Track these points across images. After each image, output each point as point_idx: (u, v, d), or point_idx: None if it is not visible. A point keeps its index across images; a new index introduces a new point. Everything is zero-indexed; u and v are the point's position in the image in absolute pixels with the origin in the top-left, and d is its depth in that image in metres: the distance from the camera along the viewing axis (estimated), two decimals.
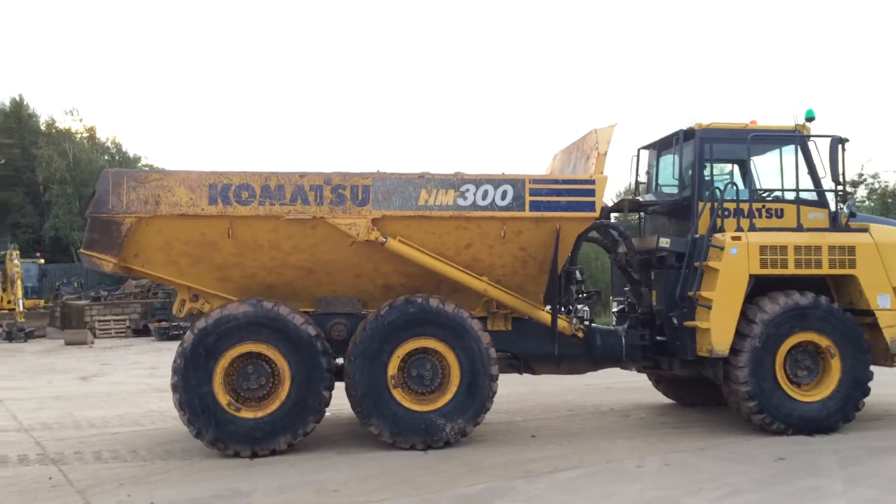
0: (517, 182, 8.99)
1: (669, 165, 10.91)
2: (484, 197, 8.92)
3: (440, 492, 6.99)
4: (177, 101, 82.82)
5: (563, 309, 9.97)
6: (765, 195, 10.03)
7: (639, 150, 11.28)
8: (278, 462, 8.22)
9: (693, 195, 9.93)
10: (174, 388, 8.42)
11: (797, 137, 9.92)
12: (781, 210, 9.91)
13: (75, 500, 6.90)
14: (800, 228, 9.62)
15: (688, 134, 10.12)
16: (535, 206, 8.99)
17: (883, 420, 10.22)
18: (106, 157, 57.55)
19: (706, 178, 10.08)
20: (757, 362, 9.21)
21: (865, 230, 9.73)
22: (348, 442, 9.10)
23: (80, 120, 60.77)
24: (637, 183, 11.29)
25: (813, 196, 10.01)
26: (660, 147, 10.93)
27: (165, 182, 8.46)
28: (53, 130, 56.00)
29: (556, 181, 9.12)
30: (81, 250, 8.61)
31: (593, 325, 10.24)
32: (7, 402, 13.24)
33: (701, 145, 9.97)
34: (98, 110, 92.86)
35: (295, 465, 8.07)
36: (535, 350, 9.75)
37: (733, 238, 9.36)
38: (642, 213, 11.25)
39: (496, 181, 8.97)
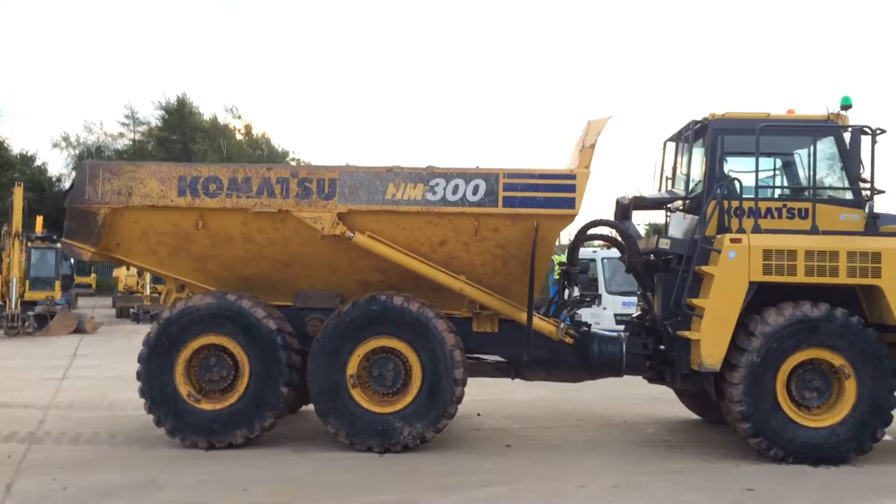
0: (490, 176, 8.53)
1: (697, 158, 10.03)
2: (454, 192, 8.53)
3: (344, 499, 6.72)
4: (321, 97, 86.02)
5: (544, 312, 9.40)
6: (779, 193, 9.01)
7: (665, 142, 10.43)
8: (221, 456, 8.22)
9: (703, 192, 9.07)
10: (138, 376, 8.61)
11: (823, 128, 8.83)
12: (806, 210, 8.84)
13: (6, 479, 7.15)
14: (815, 231, 8.55)
15: (700, 126, 9.25)
16: (508, 202, 8.50)
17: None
18: (259, 152, 60.69)
19: (726, 173, 9.17)
20: (754, 380, 8.28)
21: None
22: (317, 440, 8.93)
23: (239, 117, 64.37)
24: (663, 178, 10.44)
25: (847, 195, 8.88)
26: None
27: (138, 174, 8.66)
28: (214, 126, 59.51)
29: (532, 175, 8.56)
30: (63, 239, 8.96)
31: (592, 330, 9.57)
32: (70, 379, 14.06)
33: (714, 137, 9.07)
34: (254, 108, 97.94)
35: (227, 461, 8.04)
36: (523, 354, 9.23)
37: (732, 241, 8.44)
38: (668, 213, 10.42)
39: (468, 175, 8.55)
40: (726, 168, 9.21)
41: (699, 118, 9.28)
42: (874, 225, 8.55)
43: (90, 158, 46.32)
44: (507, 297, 9.08)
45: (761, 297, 8.49)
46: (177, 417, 8.51)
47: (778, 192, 9.22)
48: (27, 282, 26.74)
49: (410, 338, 8.51)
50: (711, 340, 8.38)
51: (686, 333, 8.55)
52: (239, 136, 61.92)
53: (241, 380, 8.55)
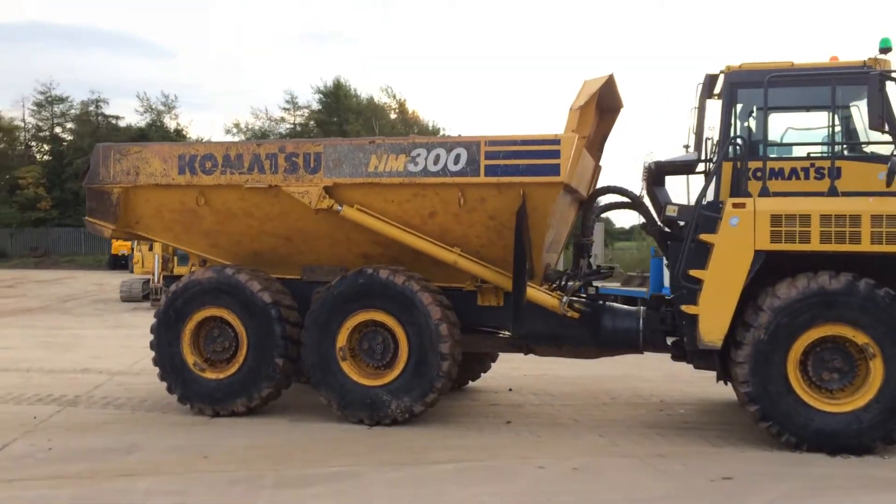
0: (471, 144, 8.21)
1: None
2: (436, 162, 8.28)
3: (289, 469, 6.77)
4: (473, 71, 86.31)
5: (560, 285, 8.93)
6: (802, 152, 8.03)
7: (701, 99, 9.57)
8: (215, 423, 8.51)
9: (719, 152, 8.26)
10: (151, 346, 9.07)
11: (843, 76, 7.74)
12: (839, 169, 7.82)
13: (11, 437, 7.79)
14: (833, 192, 7.55)
15: (712, 80, 8.41)
16: (490, 171, 8.15)
17: None
18: (409, 130, 62.08)
19: (751, 131, 8.32)
20: (762, 358, 7.47)
21: None
22: (320, 411, 9.02)
23: (394, 96, 66.11)
24: (700, 138, 9.58)
25: (887, 150, 7.78)
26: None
27: (143, 154, 9.07)
28: (368, 107, 61.47)
29: (514, 142, 8.13)
30: (85, 218, 9.56)
31: (607, 304, 9.01)
32: (135, 348, 14.66)
33: (730, 92, 8.21)
34: (409, 86, 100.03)
35: (215, 428, 8.30)
36: (531, 329, 8.84)
37: (735, 205, 7.63)
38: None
39: (449, 144, 8.29)
40: (753, 124, 8.34)
41: (715, 71, 8.43)
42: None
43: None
44: (507, 269, 8.72)
45: (779, 269, 7.64)
46: (185, 386, 8.90)
47: (806, 150, 8.21)
48: (175, 258, 28.87)
49: (396, 311, 8.39)
50: (711, 315, 7.66)
51: (686, 307, 7.84)
52: (393, 115, 63.55)
53: (241, 351, 8.79)
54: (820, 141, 8.08)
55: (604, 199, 9.73)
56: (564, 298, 8.65)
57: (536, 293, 8.59)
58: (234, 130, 60.89)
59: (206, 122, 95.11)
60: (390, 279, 8.41)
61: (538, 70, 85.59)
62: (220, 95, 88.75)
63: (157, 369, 9.05)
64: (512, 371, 11.81)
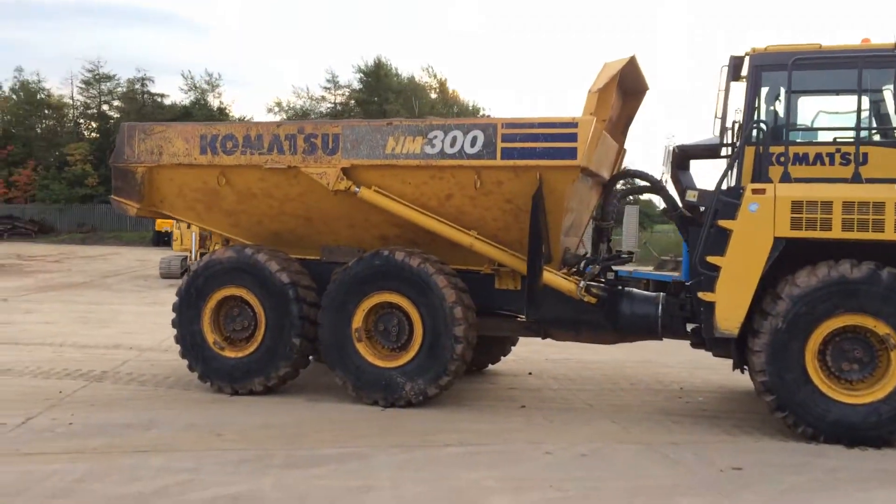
0: (488, 127, 8.16)
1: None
2: (452, 144, 8.25)
3: (299, 448, 6.85)
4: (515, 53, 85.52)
5: (577, 269, 8.86)
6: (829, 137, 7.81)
7: (728, 80, 9.35)
8: (232, 401, 8.63)
9: (741, 136, 8.08)
10: (173, 323, 9.23)
11: (869, 58, 7.49)
12: (865, 155, 7.61)
13: (35, 411, 8.00)
14: (857, 179, 7.34)
15: (738, 62, 8.20)
16: (507, 154, 8.10)
17: None
18: (449, 110, 61.94)
19: (779, 115, 8.11)
20: (779, 347, 7.34)
21: None
22: (337, 391, 9.10)
23: (434, 76, 65.98)
24: (724, 123, 9.38)
25: None
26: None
27: (167, 134, 9.18)
28: (409, 86, 61.45)
29: (531, 125, 8.06)
30: (111, 196, 9.72)
31: (626, 289, 8.92)
32: (167, 325, 14.93)
33: (755, 74, 8.02)
34: (450, 66, 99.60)
35: (232, 406, 8.43)
36: (547, 313, 8.79)
37: (755, 191, 7.47)
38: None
39: (466, 126, 8.25)
40: (780, 108, 8.14)
41: (739, 53, 8.22)
42: None
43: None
44: (525, 253, 8.65)
45: (799, 257, 7.48)
46: (205, 363, 9.05)
47: (832, 135, 7.99)
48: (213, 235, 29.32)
49: (411, 293, 8.40)
50: (728, 303, 7.54)
51: (703, 294, 7.73)
52: (434, 95, 63.43)
53: (259, 330, 8.89)
54: (846, 126, 7.84)
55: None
56: (581, 283, 8.58)
57: (553, 277, 8.53)
58: (276, 109, 61.50)
59: (249, 100, 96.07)
60: (406, 261, 8.42)
61: (586, 56, 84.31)
62: (262, 74, 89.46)
63: None
64: (534, 355, 11.78)
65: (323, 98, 62.14)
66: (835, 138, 7.91)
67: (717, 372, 10.56)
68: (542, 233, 8.21)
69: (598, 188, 9.41)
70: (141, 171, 9.31)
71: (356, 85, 61.90)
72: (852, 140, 7.67)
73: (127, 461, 6.44)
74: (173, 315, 9.23)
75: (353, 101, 60.92)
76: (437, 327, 8.30)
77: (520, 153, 8.04)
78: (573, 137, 7.89)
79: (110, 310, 17.54)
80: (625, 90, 9.42)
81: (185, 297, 9.13)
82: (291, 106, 61.50)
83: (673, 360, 11.62)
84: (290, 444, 7.02)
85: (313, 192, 8.88)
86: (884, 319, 7.12)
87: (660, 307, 8.63)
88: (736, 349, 7.85)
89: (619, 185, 9.49)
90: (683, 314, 8.55)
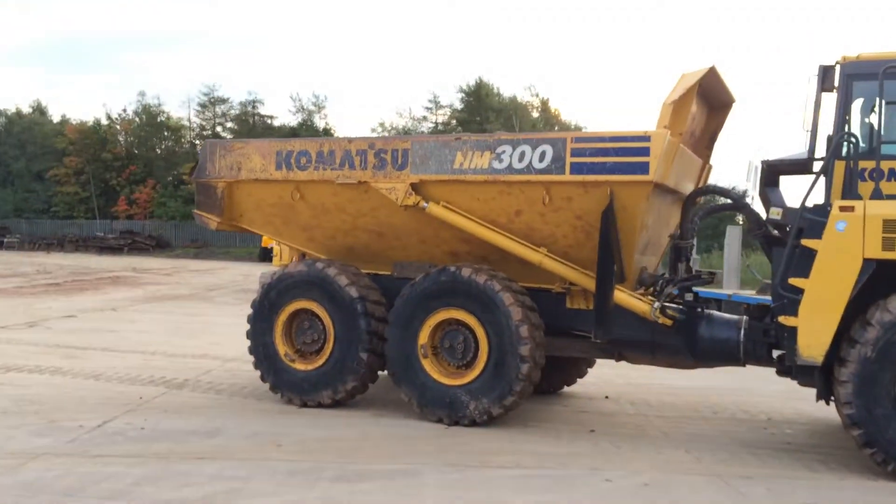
0: (557, 141, 7.95)
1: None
2: (521, 159, 8.09)
3: (355, 463, 6.79)
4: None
5: (654, 291, 8.49)
6: None
7: (819, 91, 8.80)
8: (300, 413, 8.68)
9: (830, 150, 7.57)
10: (247, 335, 9.40)
11: None
12: None
13: (113, 415, 8.28)
14: None
15: (828, 71, 7.70)
16: (576, 169, 7.87)
17: None
18: (549, 128, 61.64)
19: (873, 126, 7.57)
20: (867, 378, 6.79)
21: None
22: (403, 406, 9.01)
23: (536, 95, 65.94)
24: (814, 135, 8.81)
25: None
26: None
27: (245, 150, 9.40)
28: (510, 105, 61.63)
29: (602, 139, 7.80)
30: (194, 211, 10.01)
31: (706, 311, 8.48)
32: None
33: (846, 84, 7.51)
34: (553, 85, 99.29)
35: (299, 417, 8.47)
36: (621, 335, 8.46)
37: (842, 209, 6.96)
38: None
39: (534, 141, 8.06)
40: (873, 120, 7.59)
41: (830, 62, 7.72)
42: None
43: None
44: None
45: (891, 280, 6.92)
46: (276, 375, 9.16)
47: None
48: None
49: (477, 310, 8.24)
50: (811, 328, 7.03)
51: (785, 319, 7.24)
52: (535, 114, 63.28)
53: (328, 344, 8.93)
54: None
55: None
56: (655, 304, 8.21)
57: (625, 297, 8.21)
58: (379, 130, 62.67)
59: (353, 121, 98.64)
60: (472, 277, 8.28)
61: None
62: (367, 94, 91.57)
63: None
64: (617, 378, 11.39)
65: (424, 118, 63.03)
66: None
67: (810, 402, 9.83)
68: (612, 250, 7.92)
69: (678, 205, 9.03)
70: (221, 186, 9.55)
71: (458, 105, 62.49)
72: None
73: (182, 467, 6.54)
74: (248, 327, 9.39)
75: (454, 121, 61.43)
76: (502, 345, 8.11)
77: (589, 168, 7.80)
78: (645, 151, 7.59)
79: (205, 321, 18.10)
80: (709, 103, 9.03)
81: (259, 309, 9.29)
82: (394, 126, 62.65)
83: (767, 388, 10.94)
84: (345, 457, 6.98)
85: (384, 208, 8.88)
86: None
87: (742, 332, 8.16)
88: (821, 378, 7.31)
89: (700, 202, 9.07)
90: (768, 340, 8.05)
